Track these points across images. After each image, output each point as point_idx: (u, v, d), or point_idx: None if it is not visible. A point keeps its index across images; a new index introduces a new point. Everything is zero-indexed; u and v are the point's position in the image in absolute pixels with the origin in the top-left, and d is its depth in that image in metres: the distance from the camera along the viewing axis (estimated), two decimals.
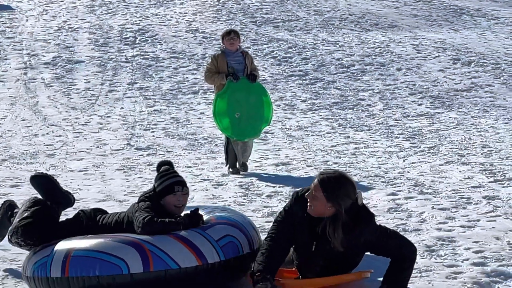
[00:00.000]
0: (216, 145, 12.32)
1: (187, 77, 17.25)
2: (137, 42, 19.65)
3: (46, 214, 5.58)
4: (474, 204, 8.06)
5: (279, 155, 11.57)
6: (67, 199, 5.90)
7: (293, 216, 5.30)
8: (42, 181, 5.86)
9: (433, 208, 7.92)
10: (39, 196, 5.88)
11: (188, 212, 5.31)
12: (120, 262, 4.87)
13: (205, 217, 5.34)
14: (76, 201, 6.10)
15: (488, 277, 5.79)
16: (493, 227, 7.15)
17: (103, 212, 5.68)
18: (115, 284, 4.87)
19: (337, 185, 5.15)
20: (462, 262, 6.16)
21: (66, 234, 5.32)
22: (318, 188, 5.16)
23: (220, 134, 12.36)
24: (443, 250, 6.46)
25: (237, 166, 10.31)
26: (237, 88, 10.16)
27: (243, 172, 10.19)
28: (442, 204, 8.05)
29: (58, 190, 5.86)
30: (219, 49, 10.58)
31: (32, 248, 5.37)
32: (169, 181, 5.45)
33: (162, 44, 19.48)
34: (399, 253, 5.27)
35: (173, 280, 4.91)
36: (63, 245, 5.12)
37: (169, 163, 5.68)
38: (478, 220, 7.40)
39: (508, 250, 6.43)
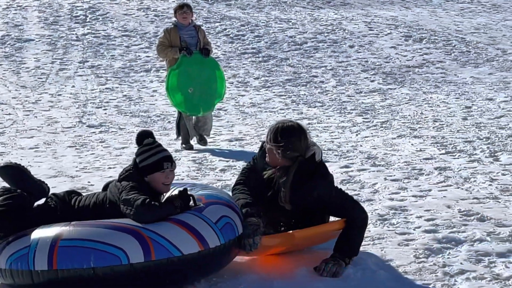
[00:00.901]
0: (169, 122, 12.24)
1: (139, 55, 17.11)
2: (87, 20, 19.42)
3: (17, 202, 5.03)
4: (426, 175, 8.13)
5: (232, 131, 11.54)
6: (40, 189, 5.30)
7: (257, 166, 5.41)
8: (12, 172, 5.26)
9: (385, 179, 7.97)
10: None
11: (175, 192, 4.96)
12: (118, 252, 4.47)
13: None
14: None
15: (439, 244, 5.85)
16: (444, 196, 7.23)
17: (77, 194, 5.25)
18: (112, 275, 4.48)
19: (290, 134, 5.21)
20: (414, 229, 6.22)
21: (40, 222, 4.84)
22: (272, 137, 5.23)
23: (173, 111, 12.30)
24: (395, 219, 6.51)
25: (190, 141, 10.26)
26: (190, 62, 10.09)
27: (202, 146, 10.16)
28: (394, 176, 8.11)
29: (29, 180, 5.27)
30: (171, 23, 10.48)
31: (4, 238, 4.83)
32: (157, 157, 5.03)
33: (113, 23, 19.29)
34: (351, 215, 5.30)
35: (176, 267, 4.59)
36: (44, 234, 4.62)
37: (150, 135, 5.18)
38: (430, 190, 7.48)
39: (459, 217, 6.50)
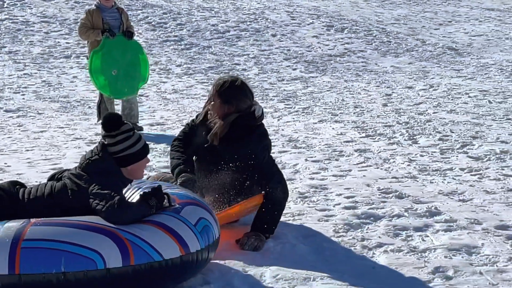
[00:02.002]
0: (89, 107, 12.05)
1: (59, 42, 16.79)
2: (5, 6, 18.96)
3: None
4: (346, 156, 8.21)
5: (154, 116, 11.43)
6: None
7: (197, 122, 5.58)
8: None
9: (306, 160, 8.02)
10: None
11: (147, 190, 4.54)
12: (93, 255, 4.00)
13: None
14: None
15: (359, 219, 5.92)
16: (364, 176, 7.31)
17: (21, 185, 4.65)
18: (86, 281, 4.00)
19: (231, 87, 5.39)
20: (333, 206, 6.27)
21: None
22: (214, 91, 5.41)
23: (94, 97, 12.13)
24: (315, 197, 6.55)
25: None
26: (113, 45, 9.93)
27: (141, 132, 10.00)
28: (315, 157, 8.16)
29: None
30: (94, 4, 10.29)
31: None
32: (141, 143, 4.50)
33: (32, 8, 18.88)
34: (272, 189, 5.30)
35: (155, 273, 4.16)
36: (1, 233, 4.07)
37: (120, 118, 4.53)
38: (350, 170, 7.55)
39: (378, 195, 6.59)
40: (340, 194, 6.60)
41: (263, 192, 5.33)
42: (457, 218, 5.94)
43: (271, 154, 5.57)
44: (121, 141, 4.43)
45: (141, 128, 10.07)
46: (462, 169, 7.58)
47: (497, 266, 5.03)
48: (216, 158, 5.37)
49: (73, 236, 4.04)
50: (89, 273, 3.99)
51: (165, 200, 4.42)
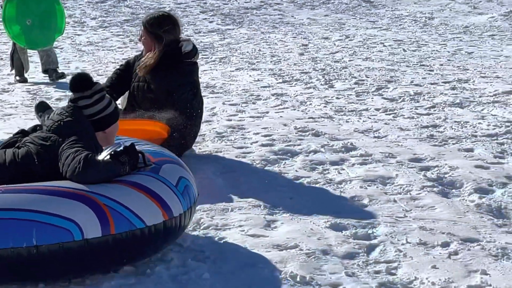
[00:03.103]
0: (1, 58, 11.75)
1: None
2: None
3: None
4: (263, 100, 8.25)
5: (69, 67, 11.22)
6: None
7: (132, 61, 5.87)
8: None
9: (224, 104, 8.02)
10: None
11: (118, 148, 3.97)
12: (69, 225, 3.52)
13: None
14: None
15: (276, 155, 5.97)
16: (281, 116, 7.37)
17: None
18: (61, 254, 3.52)
19: (157, 18, 5.67)
20: (251, 144, 6.31)
21: None
22: (142, 26, 5.72)
23: (6, 49, 11.83)
24: (233, 136, 6.57)
25: (24, 74, 9.90)
26: None
27: (61, 80, 9.80)
28: (232, 101, 8.18)
29: None
30: None
31: None
32: (114, 105, 4.13)
33: None
34: (181, 124, 5.47)
35: (137, 242, 3.70)
36: None
37: (90, 78, 4.11)
38: (267, 112, 7.60)
39: (295, 133, 6.65)
40: (258, 133, 6.64)
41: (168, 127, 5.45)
42: (372, 152, 6.05)
43: (194, 95, 5.65)
44: (97, 101, 4.02)
45: (62, 74, 9.87)
46: (377, 109, 7.71)
47: (410, 194, 5.15)
48: (144, 92, 5.58)
49: (44, 204, 3.53)
50: (65, 245, 3.50)
51: (140, 159, 3.89)
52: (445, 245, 4.30)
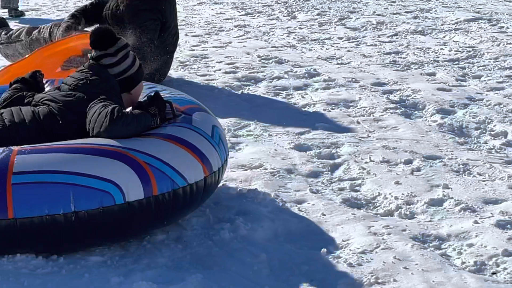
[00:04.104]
0: None
1: None
2: None
3: None
4: (226, 31, 8.20)
5: (28, 3, 11.05)
6: None
7: None
8: None
9: (186, 35, 7.96)
10: None
11: (142, 99, 3.64)
12: (109, 187, 3.08)
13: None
14: None
15: (239, 82, 5.96)
16: (244, 46, 7.34)
17: None
18: (101, 219, 3.10)
19: None
20: (214, 72, 6.28)
21: None
22: None
23: None
24: (196, 64, 6.54)
25: None
26: None
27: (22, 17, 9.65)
28: (195, 32, 8.12)
29: None
30: None
31: None
32: (138, 62, 3.70)
33: None
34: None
35: (178, 202, 3.28)
36: None
37: (112, 32, 3.64)
38: (230, 42, 7.55)
39: (258, 61, 6.63)
40: (221, 62, 6.62)
41: None
42: (336, 78, 6.06)
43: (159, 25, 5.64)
44: (122, 59, 3.58)
45: (22, 13, 9.72)
46: (340, 38, 7.71)
47: (373, 116, 5.18)
48: (118, 22, 5.59)
49: (80, 164, 3.08)
50: (105, 210, 3.08)
51: (168, 109, 3.48)
52: (408, 162, 4.34)
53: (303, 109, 5.31)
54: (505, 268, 3.20)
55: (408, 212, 3.74)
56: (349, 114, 5.23)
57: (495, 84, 5.92)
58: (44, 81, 3.94)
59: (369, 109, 5.30)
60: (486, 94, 5.65)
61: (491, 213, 3.69)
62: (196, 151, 3.34)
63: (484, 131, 4.91)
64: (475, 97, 5.57)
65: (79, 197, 3.03)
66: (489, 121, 5.04)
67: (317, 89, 5.77)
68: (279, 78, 6.05)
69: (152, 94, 3.48)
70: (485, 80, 6.02)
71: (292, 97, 5.59)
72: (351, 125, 5.00)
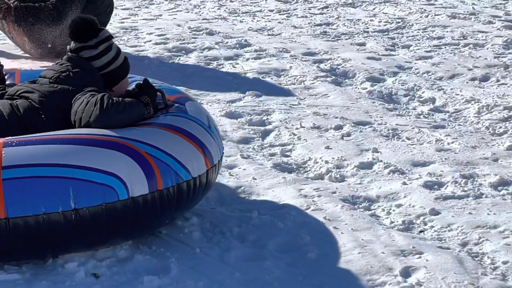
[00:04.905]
0: None
1: None
2: None
3: None
4: (156, 4, 8.12)
5: None
6: None
7: None
8: None
9: (116, 8, 7.82)
10: None
11: (130, 87, 3.30)
12: (112, 181, 2.75)
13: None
14: None
15: (170, 52, 5.92)
16: (174, 18, 7.28)
17: None
18: (104, 217, 2.77)
19: None
20: (145, 43, 6.23)
21: None
22: None
23: None
24: (126, 36, 6.47)
25: None
26: None
27: None
28: (125, 6, 8.01)
29: None
30: None
31: None
32: (123, 55, 3.34)
33: None
34: None
35: (181, 198, 2.96)
36: None
37: (93, 22, 3.27)
38: (161, 15, 7.49)
39: (188, 32, 6.59)
40: (151, 33, 6.55)
41: None
42: (267, 48, 6.06)
43: None
44: (104, 52, 3.21)
45: None
46: (271, 11, 7.71)
47: (304, 84, 5.20)
48: None
49: (79, 156, 2.75)
50: (108, 207, 2.75)
51: (159, 98, 3.18)
52: (338, 128, 4.38)
53: (234, 78, 5.30)
54: (432, 226, 3.26)
55: (338, 176, 3.77)
56: (280, 82, 5.24)
57: (424, 53, 6.01)
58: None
59: (300, 77, 5.32)
60: (415, 63, 5.72)
61: (419, 175, 3.75)
62: (197, 142, 3.04)
63: (413, 97, 4.98)
64: (404, 65, 5.64)
65: (80, 193, 2.69)
66: (418, 88, 5.12)
67: (248, 59, 5.77)
68: (210, 48, 6.03)
69: (141, 82, 3.16)
70: (414, 50, 6.10)
71: (223, 67, 5.58)
72: (282, 93, 5.01)
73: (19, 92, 3.16)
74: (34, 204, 2.65)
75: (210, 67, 5.57)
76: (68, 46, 3.27)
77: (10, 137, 2.80)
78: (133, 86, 3.25)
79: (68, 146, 2.75)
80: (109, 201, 2.73)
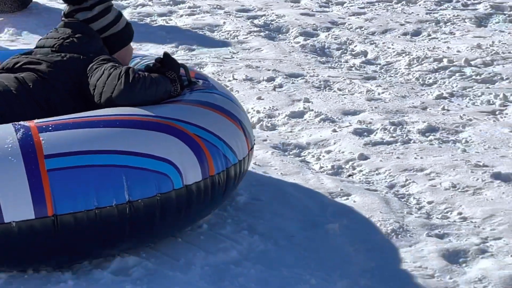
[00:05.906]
0: None
1: None
2: None
3: None
4: None
5: None
6: None
7: None
8: None
9: None
10: None
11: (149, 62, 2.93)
12: (166, 168, 2.44)
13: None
14: None
15: None
16: None
17: None
18: (159, 209, 2.45)
19: None
20: None
21: None
22: None
23: None
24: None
25: None
26: None
27: None
28: None
29: None
30: None
31: None
32: (124, 19, 2.99)
33: None
34: None
35: (229, 183, 2.68)
36: None
37: None
38: None
39: None
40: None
41: None
42: (200, 5, 6.02)
43: None
44: (101, 14, 2.89)
45: None
46: None
47: (237, 38, 5.20)
48: None
49: (129, 140, 2.42)
50: (163, 197, 2.44)
51: (182, 74, 2.83)
52: (270, 79, 4.39)
53: (167, 33, 5.26)
54: (360, 171, 3.31)
55: (269, 124, 3.79)
56: (213, 37, 5.22)
57: (357, 9, 6.04)
58: None
59: (233, 32, 5.30)
60: (348, 19, 5.75)
61: (349, 123, 3.79)
62: (238, 121, 2.76)
63: (345, 51, 5.01)
64: (337, 21, 5.66)
65: (134, 183, 2.37)
66: (350, 42, 5.15)
67: (181, 16, 5.72)
68: (143, 5, 5.96)
69: (162, 55, 2.79)
70: (347, 6, 6.12)
71: (156, 23, 5.53)
72: (215, 47, 5.00)
73: (19, 64, 2.78)
74: (86, 198, 2.31)
75: (143, 22, 5.52)
76: (62, 12, 2.96)
77: (40, 120, 2.42)
78: (144, 62, 2.98)
79: (114, 130, 2.42)
80: (164, 191, 2.43)
